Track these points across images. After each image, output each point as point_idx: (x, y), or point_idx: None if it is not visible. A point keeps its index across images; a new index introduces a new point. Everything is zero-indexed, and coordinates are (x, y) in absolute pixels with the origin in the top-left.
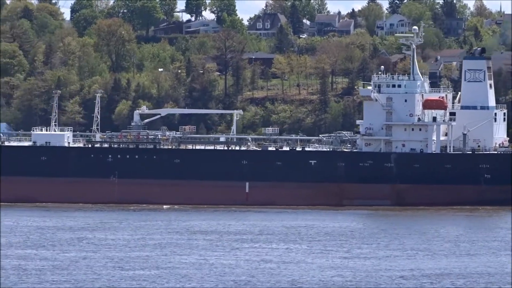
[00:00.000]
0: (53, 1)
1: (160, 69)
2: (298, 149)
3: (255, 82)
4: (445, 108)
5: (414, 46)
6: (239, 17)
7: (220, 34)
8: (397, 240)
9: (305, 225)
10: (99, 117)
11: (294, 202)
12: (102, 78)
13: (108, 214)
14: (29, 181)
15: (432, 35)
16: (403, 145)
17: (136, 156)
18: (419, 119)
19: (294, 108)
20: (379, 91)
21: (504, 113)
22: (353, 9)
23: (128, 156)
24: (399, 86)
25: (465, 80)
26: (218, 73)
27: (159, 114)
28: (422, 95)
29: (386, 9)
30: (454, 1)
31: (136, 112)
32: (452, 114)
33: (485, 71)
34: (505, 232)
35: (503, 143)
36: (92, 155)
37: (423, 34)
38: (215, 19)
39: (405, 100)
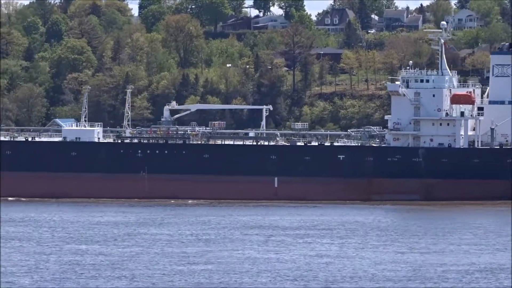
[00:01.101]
0: None
1: (228, 65)
2: (327, 144)
3: (323, 77)
4: (472, 102)
5: (442, 41)
6: (307, 13)
7: (288, 30)
8: (442, 235)
9: (353, 220)
10: (130, 112)
11: (322, 197)
12: (170, 73)
13: (156, 210)
14: (59, 176)
15: (500, 30)
16: (431, 140)
17: (166, 151)
18: (447, 114)
19: (362, 104)
20: (407, 86)
21: None
22: (421, 5)
23: (157, 152)
24: (427, 81)
25: (493, 75)
26: (286, 69)
27: (189, 110)
28: (450, 90)
29: (455, 4)
30: None
31: (166, 107)
32: (480, 109)
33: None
34: None
35: None
36: (121, 151)
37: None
38: (283, 15)
39: (433, 95)
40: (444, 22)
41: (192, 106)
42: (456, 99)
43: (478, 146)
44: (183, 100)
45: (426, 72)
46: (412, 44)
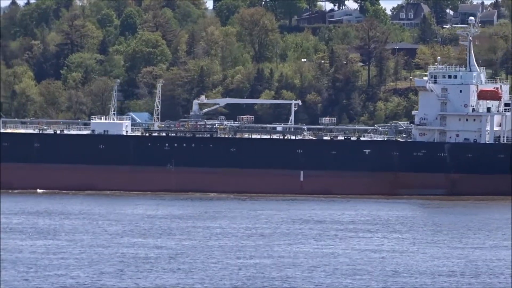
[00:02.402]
0: None
1: (303, 60)
2: (353, 138)
3: (398, 72)
4: (499, 98)
5: (470, 38)
6: (382, 7)
7: (363, 24)
8: (487, 231)
9: (388, 215)
10: (159, 106)
11: (348, 191)
12: (245, 68)
13: (197, 203)
14: (87, 169)
15: None
16: (457, 135)
17: (193, 145)
18: (473, 110)
19: None
20: (435, 82)
21: None
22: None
23: (184, 145)
24: (455, 77)
25: None
26: (361, 64)
27: (218, 104)
28: (477, 86)
29: None
30: None
31: (195, 101)
32: (507, 105)
33: None
34: None
35: None
36: (149, 144)
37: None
38: (358, 9)
39: (460, 91)
40: (472, 18)
41: (221, 101)
42: (483, 95)
43: (504, 141)
44: (258, 95)
45: (454, 68)
46: (487, 39)
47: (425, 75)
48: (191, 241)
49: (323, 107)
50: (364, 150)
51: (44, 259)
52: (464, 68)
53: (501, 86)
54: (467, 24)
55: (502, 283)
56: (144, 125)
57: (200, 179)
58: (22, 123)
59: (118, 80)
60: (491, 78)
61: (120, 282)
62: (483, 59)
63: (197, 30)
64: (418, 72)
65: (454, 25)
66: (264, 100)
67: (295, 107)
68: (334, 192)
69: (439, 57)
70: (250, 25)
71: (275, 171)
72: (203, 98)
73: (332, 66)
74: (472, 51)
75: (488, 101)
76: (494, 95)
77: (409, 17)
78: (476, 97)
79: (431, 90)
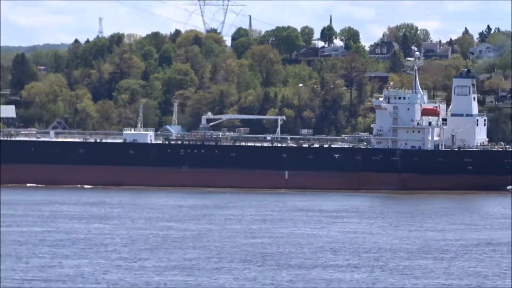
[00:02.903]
0: (218, 31)
1: (300, 85)
2: (326, 146)
3: (373, 94)
4: (438, 115)
5: (416, 68)
6: (362, 44)
7: (347, 57)
8: (437, 217)
9: (360, 205)
10: (176, 120)
11: (323, 187)
12: (255, 91)
13: (217, 196)
14: (118, 170)
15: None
16: (406, 143)
17: (202, 151)
18: (418, 123)
19: None
20: (388, 102)
21: (485, 119)
22: (450, 39)
23: (195, 151)
24: (404, 98)
25: (455, 93)
26: (345, 88)
27: (221, 118)
28: (421, 105)
29: (477, 39)
30: None
31: (203, 117)
32: (444, 120)
33: (469, 87)
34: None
35: (483, 143)
36: (168, 150)
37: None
38: (343, 46)
39: (408, 109)
40: (417, 52)
41: (223, 116)
42: (425, 112)
43: (441, 148)
44: (265, 112)
45: (403, 91)
46: (443, 69)
47: (381, 97)
48: (210, 225)
49: (316, 122)
50: (335, 155)
51: (96, 238)
52: (411, 91)
53: (439, 105)
54: (414, 57)
55: (448, 257)
56: (164, 135)
57: (208, 177)
58: (70, 133)
59: (144, 100)
60: (432, 99)
61: (155, 257)
62: (440, 84)
63: (218, 62)
64: (375, 95)
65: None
66: (258, 116)
67: (280, 121)
68: (311, 187)
69: (391, 83)
70: (259, 58)
71: (266, 171)
72: (209, 114)
73: (322, 90)
74: (417, 78)
75: (429, 117)
76: (434, 112)
77: (382, 52)
78: (420, 114)
79: (385, 108)
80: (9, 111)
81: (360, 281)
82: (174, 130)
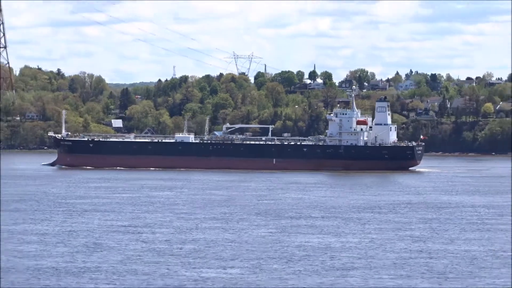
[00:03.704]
0: (246, 74)
1: (296, 106)
2: (298, 143)
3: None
4: (367, 124)
5: (353, 95)
6: (334, 81)
7: (325, 90)
8: (372, 187)
9: (322, 180)
10: (207, 128)
11: (296, 168)
12: (269, 110)
13: (237, 175)
14: (172, 159)
15: (425, 91)
16: (347, 141)
17: (223, 147)
18: (354, 129)
19: None
20: (336, 116)
21: (395, 127)
22: (388, 78)
23: (218, 147)
24: (345, 114)
25: (377, 111)
26: (324, 108)
27: (234, 127)
28: (356, 118)
29: (404, 77)
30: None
31: (224, 126)
32: (370, 127)
33: (386, 107)
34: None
35: (394, 141)
36: (202, 146)
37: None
38: (323, 82)
39: (348, 120)
40: (354, 86)
41: (237, 126)
42: (359, 122)
43: (369, 144)
44: (275, 123)
45: (346, 110)
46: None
47: (332, 113)
48: (237, 192)
49: (305, 128)
50: (304, 149)
51: (166, 201)
52: (350, 110)
53: (367, 118)
54: (352, 90)
55: (382, 211)
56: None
57: (226, 163)
58: (143, 136)
59: (188, 115)
60: (363, 114)
61: (204, 212)
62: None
63: (246, 93)
64: (328, 112)
65: (347, 90)
66: (257, 125)
67: (271, 129)
68: (290, 169)
69: (338, 104)
70: (271, 90)
71: (262, 158)
72: (228, 125)
73: (310, 109)
74: (354, 102)
75: (361, 125)
76: (364, 123)
77: (346, 86)
78: (355, 123)
79: (334, 120)
80: (118, 123)
81: (329, 225)
82: (218, 134)
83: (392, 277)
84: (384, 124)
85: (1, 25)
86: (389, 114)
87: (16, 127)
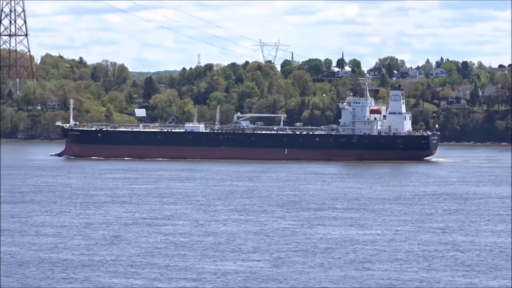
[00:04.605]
0: (272, 62)
1: (324, 95)
2: (310, 133)
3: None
4: (380, 113)
5: (366, 83)
6: (362, 69)
7: (353, 78)
8: (387, 178)
9: (337, 171)
10: (218, 117)
11: (308, 158)
12: (295, 99)
13: (253, 166)
14: (182, 149)
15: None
16: (360, 131)
17: (234, 136)
18: (368, 119)
19: None
20: (349, 105)
21: (410, 116)
22: (418, 66)
23: (229, 136)
24: (359, 102)
25: (391, 100)
26: (352, 95)
27: (245, 116)
28: (370, 107)
29: (434, 65)
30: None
31: (235, 115)
32: (384, 116)
33: (400, 95)
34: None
35: (408, 131)
36: (213, 136)
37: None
38: (351, 70)
39: (361, 109)
40: (368, 74)
41: (248, 115)
42: (372, 111)
43: (382, 134)
44: (301, 113)
45: (359, 98)
46: (413, 84)
47: (345, 102)
48: (260, 183)
49: (333, 118)
50: (316, 138)
51: (186, 192)
52: (364, 98)
53: (381, 107)
54: (365, 78)
55: (406, 203)
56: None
57: (237, 153)
58: (153, 126)
59: (196, 106)
60: (377, 103)
61: (223, 203)
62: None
63: (272, 81)
64: (341, 101)
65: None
66: (270, 114)
67: (283, 118)
68: (301, 159)
69: (351, 93)
70: (298, 78)
71: (273, 148)
72: (239, 114)
73: (338, 98)
74: (368, 91)
75: (375, 114)
76: (378, 111)
77: (375, 74)
78: (369, 112)
79: (347, 109)
80: (141, 112)
81: (352, 217)
82: (244, 123)
83: (416, 269)
84: (399, 113)
85: (23, 13)
86: (403, 102)
87: (37, 116)
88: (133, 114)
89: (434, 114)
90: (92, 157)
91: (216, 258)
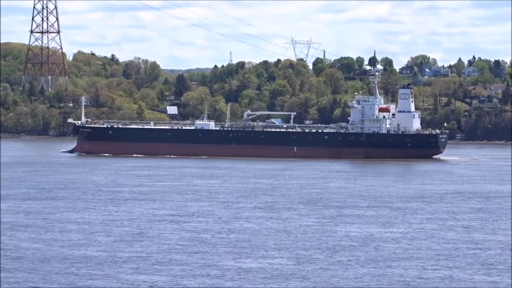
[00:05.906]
0: (304, 60)
1: (355, 93)
2: (320, 131)
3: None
4: (389, 111)
5: (376, 81)
6: (394, 68)
7: (385, 76)
8: (393, 175)
9: (346, 168)
10: (229, 114)
11: (317, 156)
12: (327, 97)
13: (265, 164)
14: (192, 146)
15: (488, 77)
16: (369, 129)
17: (244, 134)
18: (377, 117)
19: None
20: (358, 103)
21: (419, 115)
22: (450, 64)
23: (239, 134)
24: (368, 101)
25: (400, 98)
26: (384, 94)
27: (255, 113)
28: (378, 105)
29: (466, 64)
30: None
31: (245, 113)
32: (393, 114)
33: (409, 94)
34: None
35: (417, 129)
36: (223, 133)
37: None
38: (383, 69)
39: (370, 108)
40: (377, 73)
41: (258, 112)
42: (381, 110)
43: (391, 132)
44: (333, 111)
45: (368, 96)
46: (444, 83)
47: (354, 100)
48: (279, 181)
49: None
50: (325, 136)
51: (210, 189)
52: (373, 96)
53: (390, 105)
54: (374, 75)
55: (428, 201)
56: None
57: (247, 151)
58: (164, 123)
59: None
60: (386, 102)
61: (247, 201)
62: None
63: (304, 79)
64: (350, 99)
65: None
66: (280, 112)
67: (293, 116)
68: (311, 157)
69: (361, 92)
70: (330, 77)
71: (283, 146)
72: (249, 111)
73: (370, 96)
74: (377, 88)
75: (384, 113)
76: (387, 110)
77: (407, 72)
78: (378, 111)
79: (356, 107)
80: (173, 110)
81: (375, 215)
82: (277, 121)
83: (437, 267)
84: (407, 112)
85: (55, 10)
86: (412, 101)
87: (68, 113)
88: (164, 111)
89: (466, 112)
90: (104, 154)
91: (239, 255)
